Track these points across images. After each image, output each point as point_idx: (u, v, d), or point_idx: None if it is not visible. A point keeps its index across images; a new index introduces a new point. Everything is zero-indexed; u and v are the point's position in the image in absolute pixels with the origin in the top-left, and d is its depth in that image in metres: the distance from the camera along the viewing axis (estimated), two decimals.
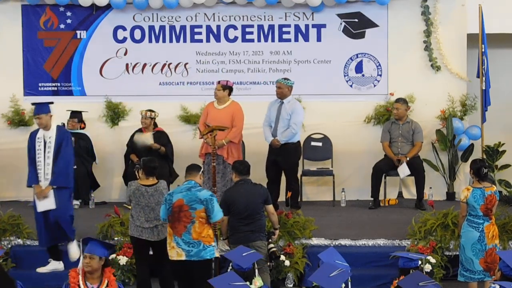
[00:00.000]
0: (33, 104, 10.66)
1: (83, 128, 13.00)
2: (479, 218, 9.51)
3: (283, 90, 11.94)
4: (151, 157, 10.32)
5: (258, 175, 11.60)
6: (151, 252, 9.83)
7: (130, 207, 11.42)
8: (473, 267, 9.49)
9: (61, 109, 12.83)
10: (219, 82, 11.95)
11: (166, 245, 9.38)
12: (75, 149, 12.68)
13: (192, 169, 9.26)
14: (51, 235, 10.34)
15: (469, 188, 9.61)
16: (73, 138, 12.59)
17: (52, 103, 10.59)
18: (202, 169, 9.43)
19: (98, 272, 7.55)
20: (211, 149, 11.27)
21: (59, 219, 10.25)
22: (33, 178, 10.25)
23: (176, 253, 9.02)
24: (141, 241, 9.63)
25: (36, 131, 10.33)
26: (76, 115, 12.90)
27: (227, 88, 11.87)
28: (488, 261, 9.43)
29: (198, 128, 12.17)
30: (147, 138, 12.45)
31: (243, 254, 8.16)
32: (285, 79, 12.03)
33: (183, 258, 8.99)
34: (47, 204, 10.18)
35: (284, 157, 11.91)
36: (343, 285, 8.36)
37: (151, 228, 9.60)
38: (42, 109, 10.27)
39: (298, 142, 12.08)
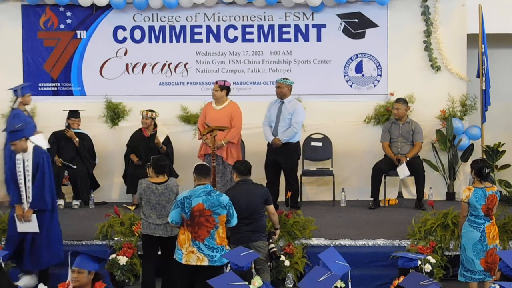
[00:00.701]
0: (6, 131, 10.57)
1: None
2: (480, 218, 9.51)
3: (283, 89, 11.95)
4: (161, 155, 10.33)
5: (258, 175, 11.60)
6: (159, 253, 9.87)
7: (130, 207, 11.46)
8: (474, 267, 9.48)
9: (60, 109, 12.89)
10: (216, 82, 11.95)
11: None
12: (79, 149, 12.70)
13: (206, 172, 9.03)
14: (37, 257, 10.14)
15: (470, 188, 9.60)
16: (77, 139, 12.69)
17: (26, 125, 10.60)
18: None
19: (88, 287, 7.27)
20: (211, 149, 11.28)
21: (39, 243, 10.09)
22: (16, 197, 10.10)
23: (196, 258, 8.79)
24: (153, 239, 9.63)
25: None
26: (77, 114, 12.88)
27: (225, 88, 11.85)
28: (489, 261, 9.43)
29: (197, 128, 12.17)
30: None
31: (241, 254, 8.15)
32: (284, 78, 12.04)
33: (206, 263, 8.80)
34: (30, 226, 10.02)
35: (285, 157, 11.92)
36: (343, 285, 8.38)
37: (164, 225, 9.61)
38: (15, 136, 10.15)
39: (298, 142, 12.09)
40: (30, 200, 10.06)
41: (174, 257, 9.07)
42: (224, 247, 8.88)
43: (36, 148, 10.18)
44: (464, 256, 9.55)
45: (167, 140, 12.62)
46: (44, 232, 10.14)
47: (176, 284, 9.09)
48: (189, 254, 8.83)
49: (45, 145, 10.63)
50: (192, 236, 8.81)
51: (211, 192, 8.87)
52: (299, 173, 12.54)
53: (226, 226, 9.00)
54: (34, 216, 10.03)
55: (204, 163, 9.31)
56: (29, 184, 10.04)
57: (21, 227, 10.05)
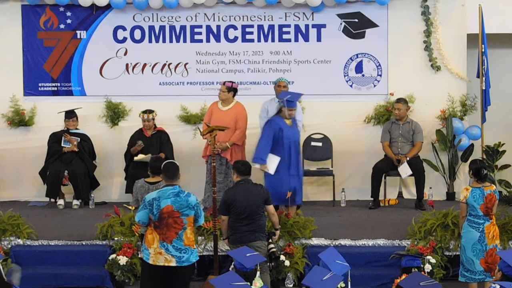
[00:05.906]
0: None
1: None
2: (479, 218, 9.51)
3: (288, 88, 11.90)
4: (158, 156, 10.32)
5: (258, 174, 11.60)
6: None
7: (130, 207, 11.43)
8: (474, 267, 9.48)
9: (61, 109, 12.88)
10: (224, 83, 11.86)
11: None
12: (79, 149, 12.66)
13: (174, 173, 8.88)
14: None
15: (468, 188, 9.60)
16: (75, 143, 12.65)
17: None
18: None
19: None
20: (211, 149, 11.25)
21: None
22: None
23: (164, 259, 8.75)
24: None
25: None
26: (72, 114, 12.81)
27: (232, 89, 11.78)
28: (489, 262, 9.43)
29: (197, 128, 12.10)
30: (146, 158, 12.27)
31: (247, 255, 8.15)
32: (282, 78, 12.02)
33: (173, 264, 8.76)
34: None
35: None
36: (343, 285, 8.39)
37: None
38: None
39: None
40: None
41: (140, 256, 8.99)
42: (191, 248, 8.83)
43: None
44: (464, 256, 9.55)
45: (167, 139, 12.59)
46: None
47: (146, 284, 9.02)
48: (156, 255, 8.77)
49: None
50: (160, 237, 8.75)
51: (179, 193, 8.79)
52: None
53: (195, 225, 8.98)
54: None
55: (173, 161, 9.16)
56: None
57: None
